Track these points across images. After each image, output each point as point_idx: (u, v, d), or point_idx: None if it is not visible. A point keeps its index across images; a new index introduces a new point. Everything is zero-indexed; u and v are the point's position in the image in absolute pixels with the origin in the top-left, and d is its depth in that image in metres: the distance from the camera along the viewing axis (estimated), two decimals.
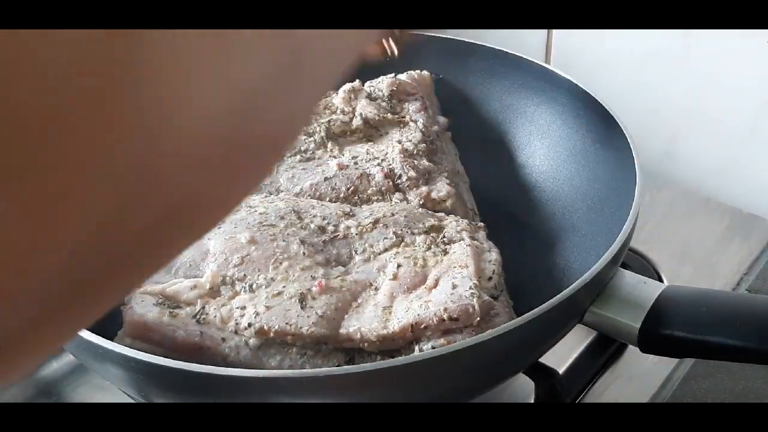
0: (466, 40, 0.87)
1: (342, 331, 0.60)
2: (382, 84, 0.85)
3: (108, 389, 0.68)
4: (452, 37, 0.88)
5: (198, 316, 0.62)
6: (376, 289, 0.63)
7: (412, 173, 0.74)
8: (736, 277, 0.83)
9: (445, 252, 0.65)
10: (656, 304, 0.58)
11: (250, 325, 0.60)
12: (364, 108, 0.82)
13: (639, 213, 0.60)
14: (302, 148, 0.79)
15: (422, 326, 0.58)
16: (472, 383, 0.58)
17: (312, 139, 0.79)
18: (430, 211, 0.72)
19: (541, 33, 1.10)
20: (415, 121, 0.81)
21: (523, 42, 1.07)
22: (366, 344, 0.59)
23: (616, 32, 1.04)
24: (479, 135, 0.88)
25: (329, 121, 0.80)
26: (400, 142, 0.77)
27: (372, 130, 0.81)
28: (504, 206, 0.81)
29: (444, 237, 0.67)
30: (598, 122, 0.74)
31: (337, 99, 0.83)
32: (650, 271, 0.82)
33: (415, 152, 0.77)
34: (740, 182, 1.01)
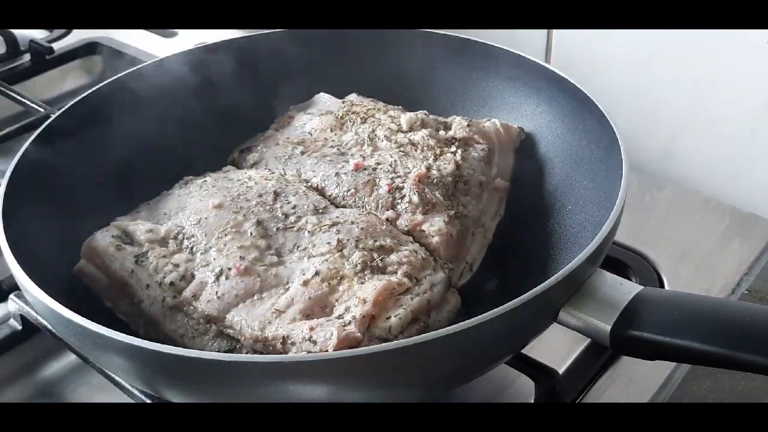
0: (470, 37, 0.87)
1: (228, 316, 0.62)
2: (454, 121, 0.81)
3: (108, 389, 0.68)
4: (456, 35, 0.88)
5: (139, 257, 0.66)
6: (287, 289, 0.62)
7: (414, 198, 0.71)
8: (737, 277, 0.82)
9: (373, 272, 0.63)
10: (630, 305, 0.57)
11: (172, 284, 0.64)
12: (423, 137, 0.77)
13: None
14: (345, 142, 0.79)
15: (290, 342, 0.58)
16: (445, 373, 0.58)
17: (356, 135, 0.79)
18: (396, 231, 0.68)
19: (541, 33, 1.10)
20: (464, 159, 0.77)
21: (523, 42, 1.07)
22: (242, 338, 0.61)
23: (616, 32, 1.04)
24: None
25: (379, 125, 0.79)
26: (429, 168, 0.74)
27: (411, 147, 0.77)
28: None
29: (382, 260, 0.64)
30: (594, 123, 0.74)
31: (404, 119, 0.80)
32: (650, 271, 0.82)
33: (436, 182, 0.73)
34: (740, 182, 1.01)
